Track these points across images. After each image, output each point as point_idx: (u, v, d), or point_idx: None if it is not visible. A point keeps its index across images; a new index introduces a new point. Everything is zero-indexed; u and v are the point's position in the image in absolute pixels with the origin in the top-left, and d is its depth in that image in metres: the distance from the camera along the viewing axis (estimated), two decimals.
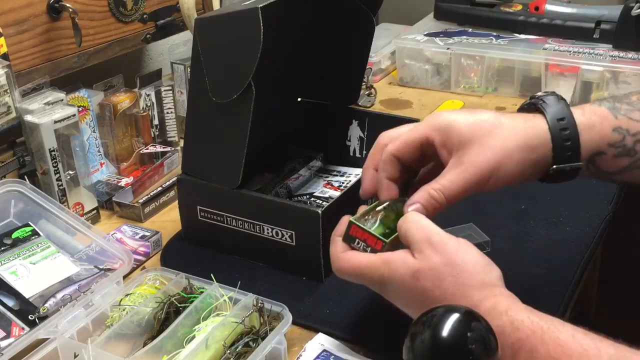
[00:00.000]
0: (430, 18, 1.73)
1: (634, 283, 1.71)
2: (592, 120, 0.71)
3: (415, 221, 0.67)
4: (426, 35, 1.62)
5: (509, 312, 0.59)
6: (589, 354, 0.55)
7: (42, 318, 0.83)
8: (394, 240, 0.70)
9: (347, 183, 1.15)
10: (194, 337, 0.79)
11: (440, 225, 1.03)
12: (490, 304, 0.61)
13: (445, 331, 0.72)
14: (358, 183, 0.93)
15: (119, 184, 1.17)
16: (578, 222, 1.03)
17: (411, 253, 0.66)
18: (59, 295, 0.87)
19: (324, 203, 1.08)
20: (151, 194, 1.14)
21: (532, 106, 0.74)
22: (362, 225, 0.71)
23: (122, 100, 1.19)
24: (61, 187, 1.05)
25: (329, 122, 1.21)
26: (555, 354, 0.56)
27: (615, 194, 1.11)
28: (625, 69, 1.38)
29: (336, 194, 1.11)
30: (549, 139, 0.69)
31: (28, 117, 1.02)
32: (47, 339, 0.79)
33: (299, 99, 1.23)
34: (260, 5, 0.81)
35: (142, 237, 1.04)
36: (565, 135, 0.69)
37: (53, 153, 1.03)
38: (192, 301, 0.83)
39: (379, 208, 0.74)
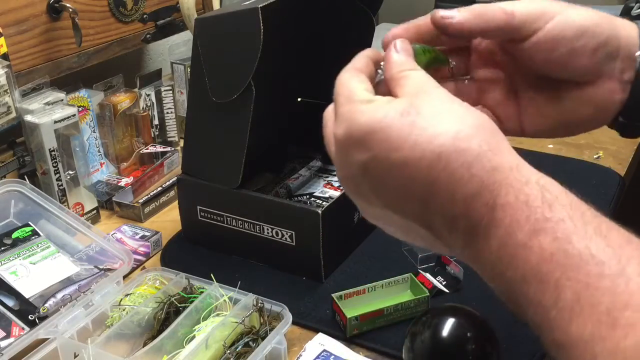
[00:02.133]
0: None
1: None
2: None
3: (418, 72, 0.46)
4: None
5: (540, 181, 0.41)
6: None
7: (42, 318, 0.83)
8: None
9: None
10: (194, 337, 0.79)
11: None
12: (514, 160, 0.42)
13: (445, 331, 0.72)
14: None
15: (119, 184, 1.17)
16: None
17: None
18: (59, 295, 0.87)
19: (324, 203, 1.08)
20: (151, 194, 1.14)
21: None
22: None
23: (122, 100, 1.19)
24: (61, 187, 1.05)
25: None
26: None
27: (615, 194, 1.11)
28: None
29: (336, 194, 1.11)
30: (634, 25, 0.53)
31: (28, 117, 1.02)
32: (47, 339, 0.79)
33: (299, 99, 1.23)
34: (260, 5, 0.81)
35: (142, 237, 1.04)
36: None
37: (53, 153, 1.03)
38: (192, 301, 0.83)
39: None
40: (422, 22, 0.51)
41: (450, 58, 0.54)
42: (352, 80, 0.46)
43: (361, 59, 0.49)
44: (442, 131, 0.41)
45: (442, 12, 0.49)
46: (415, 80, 0.45)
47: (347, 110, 0.44)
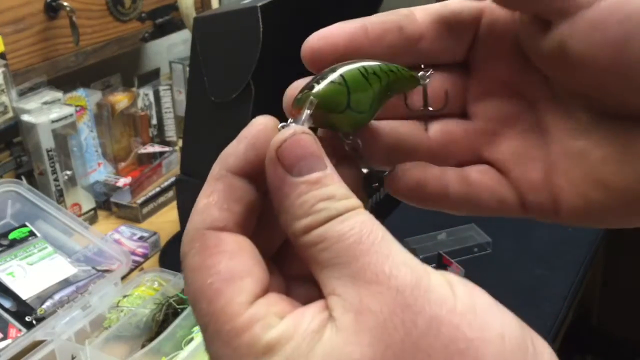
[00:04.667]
0: None
1: (636, 285, 1.71)
2: None
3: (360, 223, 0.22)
4: None
5: None
6: None
7: (40, 319, 0.82)
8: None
9: None
10: (192, 339, 0.78)
11: (440, 226, 1.03)
12: None
13: None
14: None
15: (117, 184, 1.17)
16: None
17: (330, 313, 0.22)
18: (57, 297, 0.86)
19: None
20: (149, 194, 1.13)
21: None
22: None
23: (120, 99, 1.19)
24: (58, 187, 1.05)
25: None
26: None
27: None
28: None
29: None
30: None
31: (25, 117, 1.01)
32: (44, 340, 0.78)
33: None
34: (260, 4, 0.81)
35: (140, 238, 1.03)
36: None
37: (50, 153, 1.02)
38: None
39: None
40: (370, 23, 0.31)
41: (423, 73, 0.30)
42: (214, 274, 0.23)
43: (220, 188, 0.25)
44: None
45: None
46: (346, 263, 0.22)
47: None
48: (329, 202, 0.23)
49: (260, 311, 0.22)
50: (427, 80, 0.29)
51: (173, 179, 1.11)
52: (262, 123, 0.26)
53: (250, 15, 0.81)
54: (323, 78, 0.26)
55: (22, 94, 1.04)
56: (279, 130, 0.25)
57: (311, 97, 0.26)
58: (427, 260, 0.94)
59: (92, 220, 1.10)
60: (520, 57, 0.29)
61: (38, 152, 1.02)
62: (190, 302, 0.23)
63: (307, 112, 0.26)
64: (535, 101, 0.29)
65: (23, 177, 1.03)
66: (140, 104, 1.24)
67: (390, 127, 0.30)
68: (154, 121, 1.29)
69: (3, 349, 0.77)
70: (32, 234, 0.93)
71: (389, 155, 0.29)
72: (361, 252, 0.21)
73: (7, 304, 0.84)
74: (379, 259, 0.21)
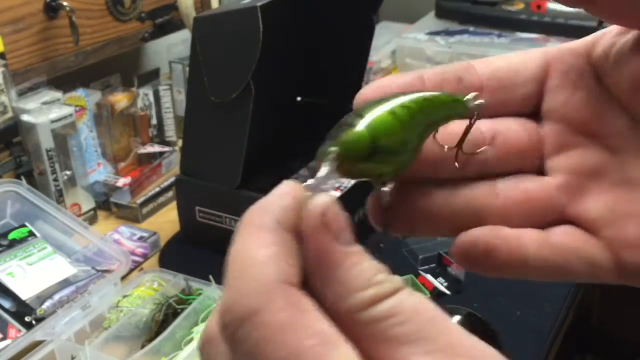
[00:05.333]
0: (431, 16, 1.73)
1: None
2: None
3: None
4: (427, 34, 1.61)
5: None
6: None
7: (39, 320, 0.82)
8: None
9: (347, 183, 1.15)
10: (192, 339, 0.78)
11: None
12: None
13: None
14: (358, 183, 0.92)
15: (117, 184, 1.16)
16: None
17: None
18: (56, 297, 0.86)
19: None
20: (149, 194, 1.13)
21: None
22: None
23: (120, 99, 1.18)
24: (58, 188, 1.05)
25: (329, 122, 1.20)
26: None
27: None
28: None
29: (336, 194, 1.10)
30: None
31: (25, 117, 1.01)
32: (44, 340, 0.78)
33: (298, 99, 1.22)
34: (259, 3, 0.81)
35: (140, 238, 1.03)
36: None
37: (50, 153, 1.02)
38: (190, 303, 0.82)
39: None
40: (427, 74, 0.28)
41: (473, 94, 0.27)
42: None
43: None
44: None
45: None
46: None
47: None
48: (385, 274, 0.21)
49: None
50: (476, 103, 0.26)
51: (173, 179, 1.11)
52: (290, 185, 0.24)
53: (250, 15, 0.81)
54: (345, 124, 0.24)
55: (21, 94, 1.04)
56: (304, 189, 0.23)
57: (331, 149, 0.23)
58: (427, 261, 0.94)
59: (92, 220, 1.10)
60: (601, 104, 0.27)
61: (38, 152, 1.02)
62: None
63: (326, 166, 0.23)
64: (620, 150, 0.27)
65: (23, 177, 1.03)
66: (140, 104, 1.24)
67: (444, 190, 0.27)
68: (154, 121, 1.29)
69: (3, 349, 0.77)
70: (31, 234, 0.93)
71: (431, 221, 0.27)
72: (443, 326, 0.20)
73: (7, 304, 0.84)
74: (459, 332, 0.21)
